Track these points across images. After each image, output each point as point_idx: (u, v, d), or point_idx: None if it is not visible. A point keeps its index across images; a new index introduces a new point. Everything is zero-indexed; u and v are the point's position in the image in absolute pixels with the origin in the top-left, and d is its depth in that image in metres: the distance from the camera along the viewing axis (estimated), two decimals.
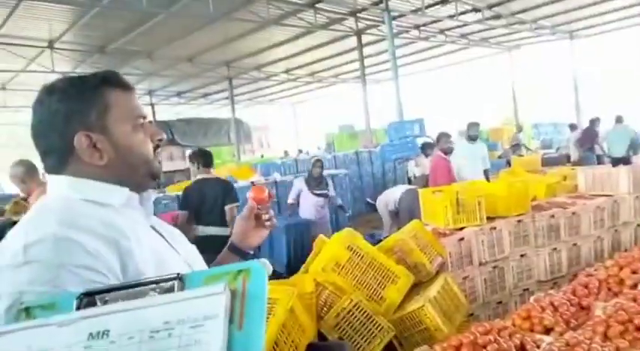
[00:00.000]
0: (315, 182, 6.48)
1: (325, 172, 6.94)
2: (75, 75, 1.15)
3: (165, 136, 1.23)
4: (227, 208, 4.50)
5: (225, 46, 13.90)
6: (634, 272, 3.27)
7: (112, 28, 11.41)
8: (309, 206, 6.44)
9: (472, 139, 6.88)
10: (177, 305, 0.58)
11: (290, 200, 6.63)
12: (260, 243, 1.49)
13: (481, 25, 13.79)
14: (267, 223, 1.47)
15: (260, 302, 0.60)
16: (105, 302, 0.64)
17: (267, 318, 2.59)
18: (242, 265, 0.65)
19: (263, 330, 0.58)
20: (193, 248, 1.29)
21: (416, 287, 3.47)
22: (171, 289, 0.64)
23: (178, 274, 0.66)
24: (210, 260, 1.35)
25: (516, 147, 13.55)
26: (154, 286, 0.64)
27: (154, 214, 1.21)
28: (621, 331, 2.34)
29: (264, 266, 0.64)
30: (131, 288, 0.65)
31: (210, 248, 1.52)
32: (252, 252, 1.49)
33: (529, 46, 17.66)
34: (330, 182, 6.83)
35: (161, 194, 7.12)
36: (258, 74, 18.34)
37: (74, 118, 1.04)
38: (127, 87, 1.12)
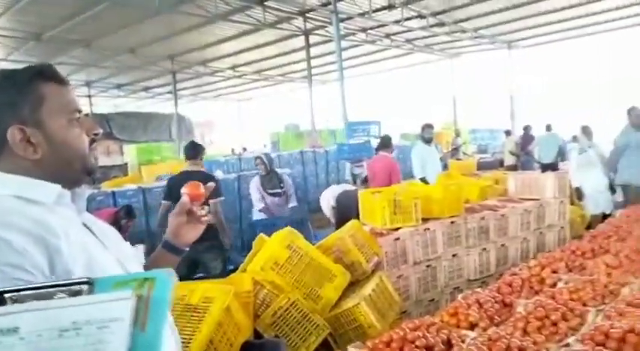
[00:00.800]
0: (267, 181, 6.17)
1: (278, 171, 6.68)
2: (8, 68, 1.12)
3: (101, 131, 1.22)
4: (210, 202, 4.46)
5: (170, 39, 13.59)
6: (554, 272, 3.50)
7: (50, 15, 10.88)
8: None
9: (427, 141, 7.13)
10: (85, 307, 0.62)
11: (259, 206, 6.19)
12: (195, 239, 1.48)
13: (425, 32, 14.21)
14: (203, 219, 1.46)
15: (162, 308, 0.65)
16: (15, 301, 0.65)
17: (203, 317, 2.60)
18: (149, 273, 0.69)
19: (163, 332, 0.64)
20: (127, 246, 1.28)
21: (352, 285, 3.55)
22: (79, 293, 0.67)
23: (89, 278, 0.68)
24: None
25: (455, 151, 14.08)
26: (63, 288, 0.67)
27: (89, 211, 1.20)
28: (539, 326, 2.51)
29: (169, 276, 0.69)
30: (41, 289, 0.67)
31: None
32: (187, 249, 1.48)
33: (470, 54, 18.37)
34: (287, 179, 6.49)
35: (96, 190, 6.87)
36: (203, 69, 18.04)
37: (7, 112, 1.03)
38: (62, 81, 1.11)
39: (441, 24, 13.60)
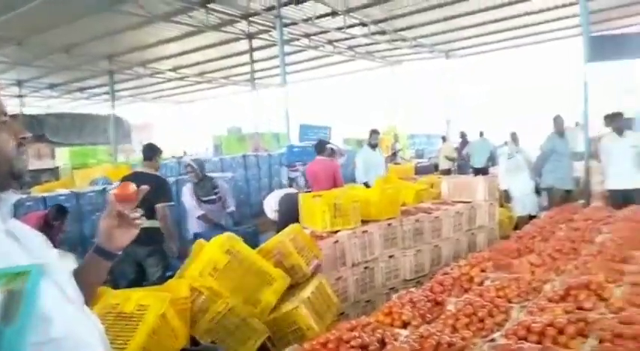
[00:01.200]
0: (200, 189, 5.79)
1: (211, 175, 6.47)
2: None
3: (29, 134, 1.19)
4: (158, 206, 4.33)
5: (108, 38, 13.12)
6: (483, 271, 3.69)
7: None
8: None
9: (373, 146, 7.31)
10: None
11: (197, 213, 5.73)
12: (127, 243, 1.42)
13: (367, 39, 14.52)
14: (136, 222, 1.42)
15: (32, 301, 0.67)
16: None
17: (138, 325, 2.55)
18: (22, 267, 0.71)
19: (30, 325, 0.65)
20: (54, 252, 1.25)
21: (292, 288, 3.58)
22: None
23: None
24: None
25: (394, 156, 14.45)
26: None
27: (17, 217, 1.17)
28: (467, 323, 2.64)
29: (40, 269, 0.70)
30: None
31: (138, 240, 1.49)
32: (120, 253, 1.43)
33: (410, 62, 18.93)
34: (222, 184, 6.18)
35: (25, 195, 6.53)
36: (143, 70, 17.54)
37: None
38: None
39: (382, 32, 13.95)
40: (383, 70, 19.93)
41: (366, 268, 4.29)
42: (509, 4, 11.56)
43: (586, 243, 4.20)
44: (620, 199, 6.22)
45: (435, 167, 13.10)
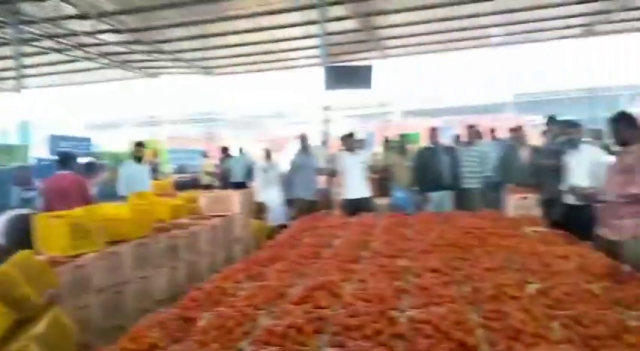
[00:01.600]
0: None
1: None
2: None
3: None
4: None
5: None
6: (236, 282, 3.79)
7: None
8: None
9: (137, 159, 6.86)
10: None
11: None
12: None
13: (122, 48, 13.69)
14: None
15: None
16: None
17: None
18: None
19: None
20: None
21: (24, 323, 3.09)
22: None
23: None
24: None
25: (153, 171, 13.89)
26: None
27: None
28: (216, 336, 2.65)
29: None
30: None
31: None
32: None
33: (170, 75, 18.51)
34: None
35: None
36: None
37: None
38: None
39: (139, 42, 13.35)
40: (142, 82, 19.05)
41: (115, 292, 3.98)
42: (259, 29, 12.23)
43: (326, 247, 4.69)
44: (353, 207, 7.16)
45: (197, 182, 13.05)
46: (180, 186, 11.72)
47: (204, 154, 13.95)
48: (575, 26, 13.49)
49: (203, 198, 6.01)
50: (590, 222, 4.44)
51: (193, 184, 12.69)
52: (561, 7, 11.56)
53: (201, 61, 16.15)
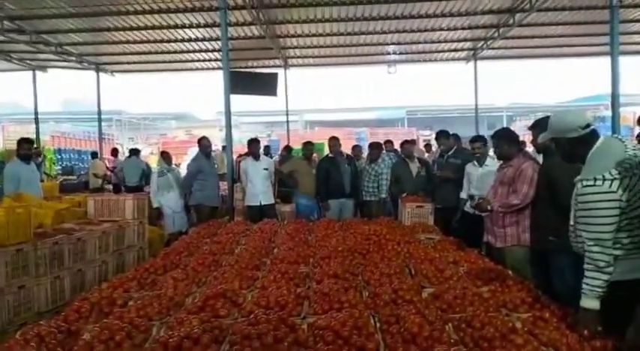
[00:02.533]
0: None
1: None
2: None
3: None
4: None
5: None
6: (126, 291, 3.54)
7: None
8: None
9: (24, 158, 6.24)
10: None
11: None
12: None
13: (1, 36, 12.39)
14: None
15: None
16: None
17: None
18: None
19: None
20: None
21: None
22: None
23: None
24: None
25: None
26: None
27: None
28: (102, 349, 2.45)
29: None
30: None
31: None
32: None
33: (56, 70, 17.06)
34: None
35: None
36: None
37: None
38: None
39: (21, 31, 12.16)
40: (26, 74, 17.34)
41: None
42: (158, 27, 11.71)
43: (226, 255, 4.56)
44: (256, 214, 7.07)
45: (86, 185, 12.17)
46: (67, 189, 10.88)
47: (94, 156, 13.04)
48: (462, 50, 14.59)
49: (92, 202, 5.57)
50: (480, 230, 4.80)
51: (82, 187, 11.84)
52: (451, 31, 12.43)
53: (94, 56, 15.10)
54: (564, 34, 12.84)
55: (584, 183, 2.40)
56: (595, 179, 2.35)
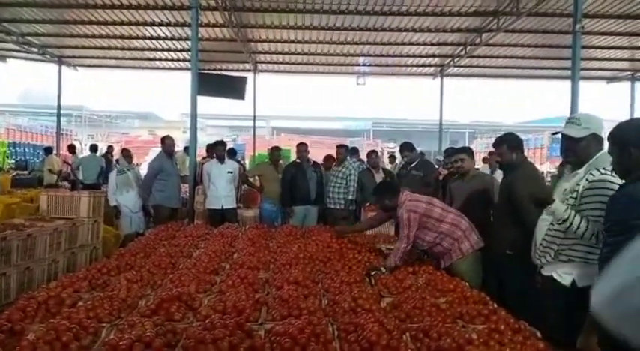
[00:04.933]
0: None
1: None
2: None
3: None
4: None
5: None
6: (76, 291, 3.39)
7: None
8: None
9: None
10: None
11: None
12: None
13: None
14: None
15: None
16: None
17: None
18: None
19: None
20: None
21: None
22: None
23: None
24: None
25: None
26: None
27: None
28: (48, 349, 2.33)
29: None
30: None
31: None
32: None
33: (17, 60, 16.44)
34: None
35: None
36: None
37: None
38: None
39: None
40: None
41: None
42: (126, 23, 11.46)
43: (184, 258, 4.45)
44: (217, 217, 6.95)
45: (40, 181, 11.72)
46: (20, 184, 10.45)
47: (50, 151, 12.57)
48: (430, 65, 14.89)
49: (45, 198, 5.35)
50: None
51: (35, 182, 11.39)
52: (420, 47, 12.67)
53: (57, 49, 14.65)
54: (528, 56, 13.29)
55: (602, 172, 2.47)
56: (613, 170, 2.41)
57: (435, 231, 4.21)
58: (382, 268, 4.01)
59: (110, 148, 14.29)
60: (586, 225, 2.49)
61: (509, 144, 3.97)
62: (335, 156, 7.42)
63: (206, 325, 2.67)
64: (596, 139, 2.65)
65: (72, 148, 12.92)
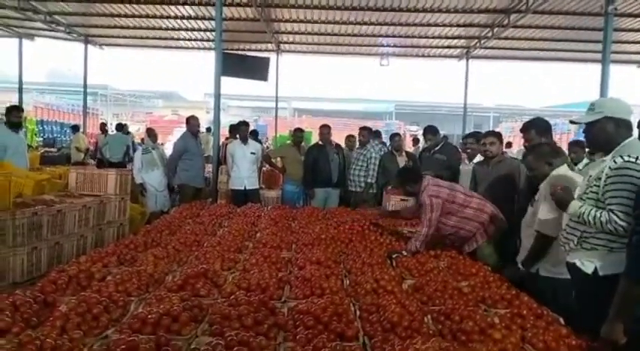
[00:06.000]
0: None
1: None
2: None
3: None
4: None
5: None
6: (105, 266, 3.49)
7: None
8: None
9: (14, 126, 6.07)
10: None
11: None
12: None
13: None
14: None
15: None
16: None
17: None
18: None
19: None
20: None
21: None
22: None
23: None
24: None
25: None
26: None
27: None
28: (79, 322, 2.41)
29: None
30: None
31: None
32: None
33: (45, 39, 16.66)
34: None
35: None
36: None
37: None
38: None
39: None
40: (11, 42, 16.85)
41: None
42: (146, 2, 11.39)
43: (209, 236, 4.53)
44: (241, 198, 7.02)
45: (68, 158, 11.97)
46: (48, 161, 10.70)
47: (77, 129, 12.80)
48: (455, 47, 14.59)
49: (74, 175, 5.47)
50: None
51: (63, 160, 11.65)
52: (446, 28, 12.42)
53: (82, 28, 14.77)
54: (557, 39, 12.92)
55: (626, 158, 2.41)
56: (637, 158, 2.38)
57: (459, 216, 4.19)
58: (403, 252, 4.03)
59: (104, 126, 14.10)
60: (605, 220, 2.42)
61: (537, 128, 3.90)
62: (357, 136, 7.38)
63: (231, 302, 2.73)
64: (617, 123, 2.55)
65: (103, 127, 13.11)
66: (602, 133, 2.60)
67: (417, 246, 4.07)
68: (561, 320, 2.66)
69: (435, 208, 4.12)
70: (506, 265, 3.63)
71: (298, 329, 2.44)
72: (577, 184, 2.84)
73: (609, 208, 2.43)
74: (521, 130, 4.15)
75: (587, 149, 5.20)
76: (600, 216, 2.45)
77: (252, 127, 9.66)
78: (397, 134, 7.65)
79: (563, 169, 3.15)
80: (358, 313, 2.72)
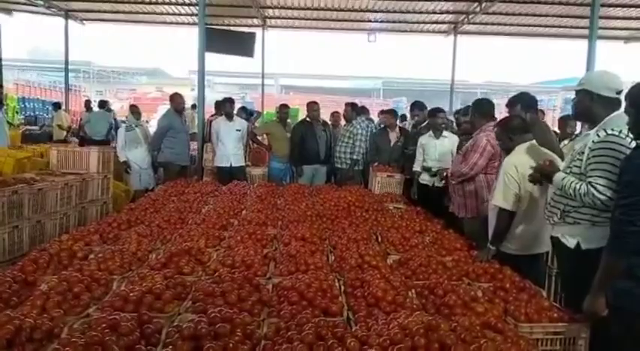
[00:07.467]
0: None
1: None
2: None
3: None
4: None
5: None
6: (87, 244, 3.45)
7: None
8: None
9: None
10: None
11: None
12: None
13: None
14: None
15: None
16: None
17: None
18: None
19: None
20: None
21: None
22: None
23: None
24: None
25: None
26: None
27: None
28: (59, 301, 2.37)
29: None
30: None
31: None
32: None
33: (23, 14, 16.17)
34: None
35: None
36: None
37: None
38: None
39: None
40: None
41: None
42: None
43: (193, 213, 4.49)
44: (226, 175, 6.97)
45: (50, 137, 11.77)
46: (30, 139, 10.51)
47: (58, 106, 12.55)
48: (443, 22, 14.46)
49: (55, 153, 5.38)
50: (441, 200, 4.98)
51: (45, 138, 11.45)
52: (434, 2, 12.27)
53: (62, 2, 14.36)
54: (545, 14, 12.86)
55: (609, 132, 2.40)
56: (621, 131, 2.37)
57: (489, 174, 4.13)
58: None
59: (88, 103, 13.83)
60: (583, 191, 2.41)
61: (522, 104, 3.89)
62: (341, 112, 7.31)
63: (215, 279, 2.71)
64: (592, 97, 2.55)
65: (88, 104, 12.84)
66: (579, 105, 2.68)
67: (450, 176, 4.19)
68: (543, 293, 2.69)
69: (485, 155, 4.05)
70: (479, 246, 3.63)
71: (282, 305, 2.43)
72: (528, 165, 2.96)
73: (588, 180, 2.42)
74: (507, 105, 4.13)
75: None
76: (579, 188, 2.45)
77: (238, 104, 9.54)
78: (387, 110, 7.61)
79: (523, 147, 3.23)
80: (343, 288, 2.72)
